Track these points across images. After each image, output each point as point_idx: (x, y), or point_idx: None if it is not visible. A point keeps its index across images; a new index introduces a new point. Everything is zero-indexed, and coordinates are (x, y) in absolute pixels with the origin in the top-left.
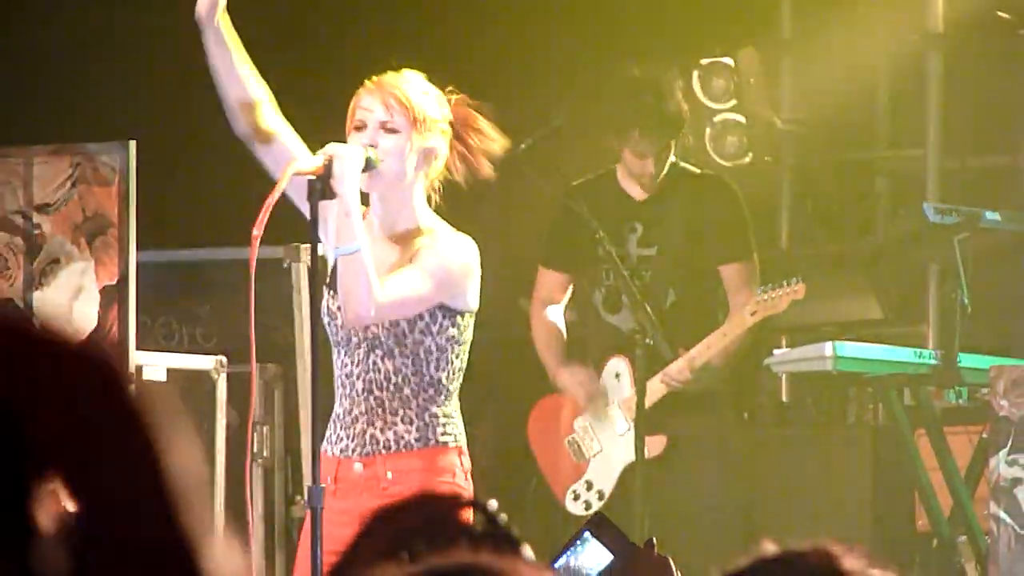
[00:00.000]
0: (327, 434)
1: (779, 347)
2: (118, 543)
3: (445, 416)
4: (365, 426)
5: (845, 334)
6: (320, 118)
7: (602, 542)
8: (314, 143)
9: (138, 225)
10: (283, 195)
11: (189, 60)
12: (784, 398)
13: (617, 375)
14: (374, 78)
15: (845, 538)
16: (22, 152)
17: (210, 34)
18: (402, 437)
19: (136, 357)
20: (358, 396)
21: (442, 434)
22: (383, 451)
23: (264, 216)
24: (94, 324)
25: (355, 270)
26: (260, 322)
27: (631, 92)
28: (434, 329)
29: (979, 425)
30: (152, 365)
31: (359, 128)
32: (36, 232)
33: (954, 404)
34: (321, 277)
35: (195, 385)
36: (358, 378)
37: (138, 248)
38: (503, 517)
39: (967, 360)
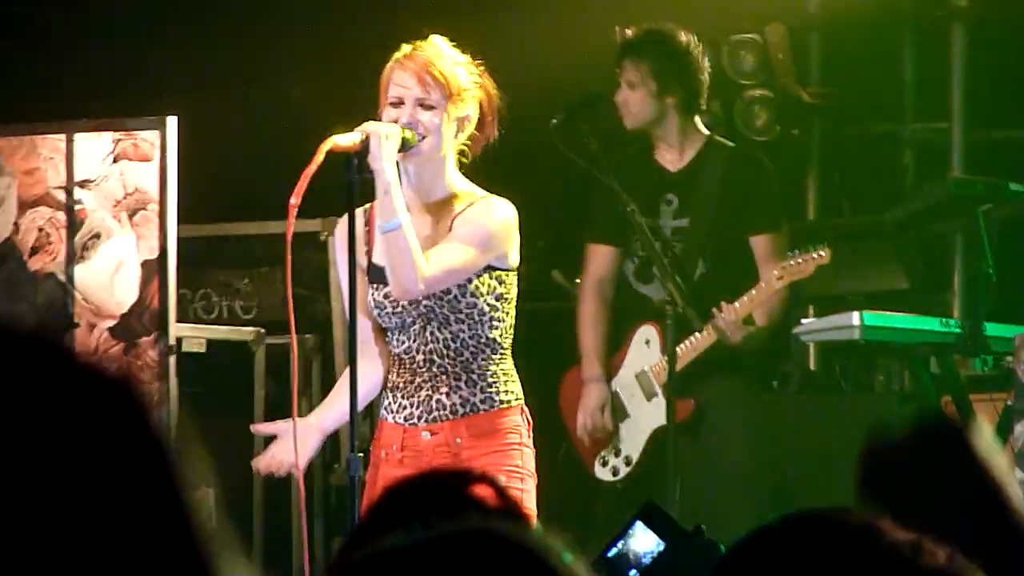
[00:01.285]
0: (385, 403)
1: (807, 317)
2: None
3: (504, 374)
4: (430, 392)
5: (872, 304)
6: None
7: (653, 529)
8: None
9: (178, 199)
10: (321, 168)
11: (228, 35)
12: (812, 366)
13: (647, 341)
14: (405, 51)
15: None
16: (64, 128)
17: None
18: (468, 400)
19: (176, 329)
20: (419, 367)
21: (505, 392)
22: (450, 416)
23: (302, 186)
24: (135, 297)
25: (400, 246)
26: (297, 294)
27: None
28: (483, 290)
29: (1004, 393)
30: (192, 337)
31: (395, 104)
32: (78, 207)
33: (980, 372)
34: (358, 247)
35: (234, 357)
36: (418, 352)
37: (178, 222)
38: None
39: (992, 329)
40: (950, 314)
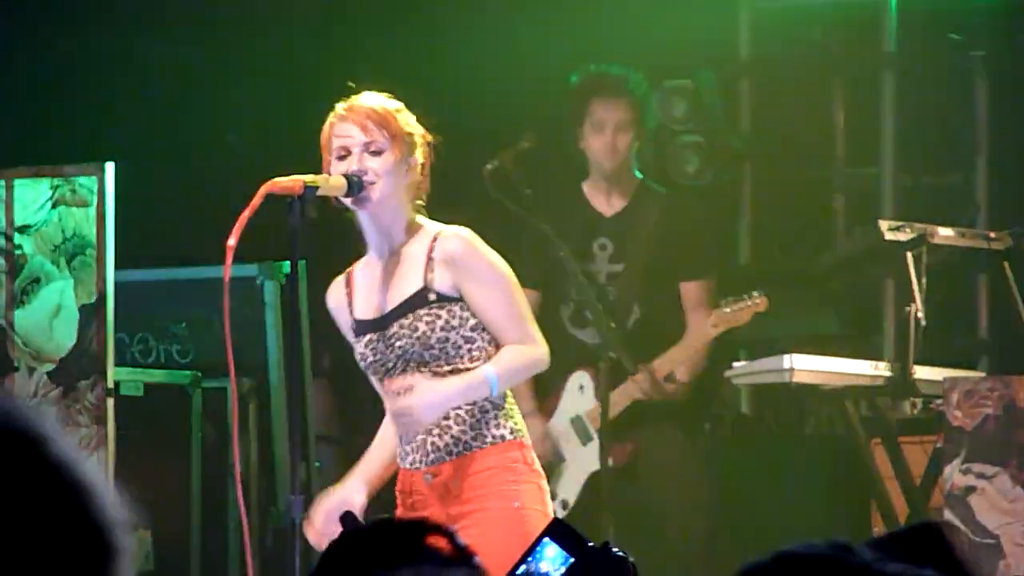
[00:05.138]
0: (398, 452)
1: (738, 360)
2: None
3: (495, 407)
4: (425, 435)
5: (803, 347)
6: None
7: (561, 546)
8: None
9: (116, 245)
10: (258, 212)
11: (166, 82)
12: (744, 409)
13: (581, 387)
14: (342, 105)
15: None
16: (2, 174)
17: None
18: (459, 439)
19: (114, 373)
20: None
21: (496, 427)
22: (446, 457)
23: (239, 228)
24: (73, 341)
25: (519, 378)
26: (234, 338)
27: (590, 74)
28: (455, 323)
29: (933, 435)
30: (130, 381)
31: (342, 157)
32: (17, 252)
33: (909, 415)
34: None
35: (172, 400)
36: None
37: (116, 267)
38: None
39: (922, 372)
40: (880, 357)
